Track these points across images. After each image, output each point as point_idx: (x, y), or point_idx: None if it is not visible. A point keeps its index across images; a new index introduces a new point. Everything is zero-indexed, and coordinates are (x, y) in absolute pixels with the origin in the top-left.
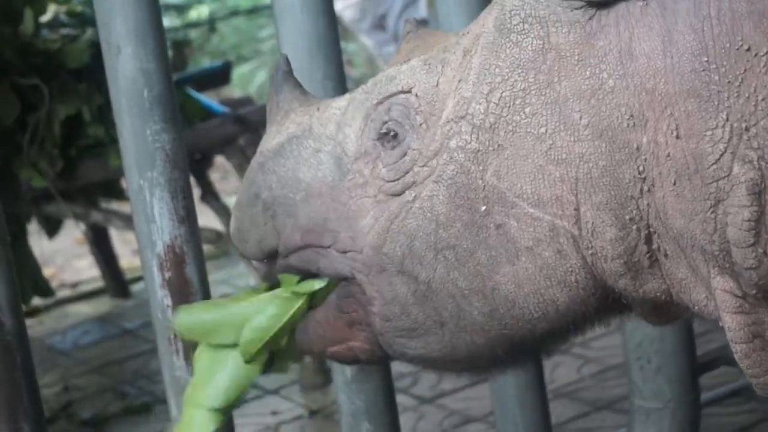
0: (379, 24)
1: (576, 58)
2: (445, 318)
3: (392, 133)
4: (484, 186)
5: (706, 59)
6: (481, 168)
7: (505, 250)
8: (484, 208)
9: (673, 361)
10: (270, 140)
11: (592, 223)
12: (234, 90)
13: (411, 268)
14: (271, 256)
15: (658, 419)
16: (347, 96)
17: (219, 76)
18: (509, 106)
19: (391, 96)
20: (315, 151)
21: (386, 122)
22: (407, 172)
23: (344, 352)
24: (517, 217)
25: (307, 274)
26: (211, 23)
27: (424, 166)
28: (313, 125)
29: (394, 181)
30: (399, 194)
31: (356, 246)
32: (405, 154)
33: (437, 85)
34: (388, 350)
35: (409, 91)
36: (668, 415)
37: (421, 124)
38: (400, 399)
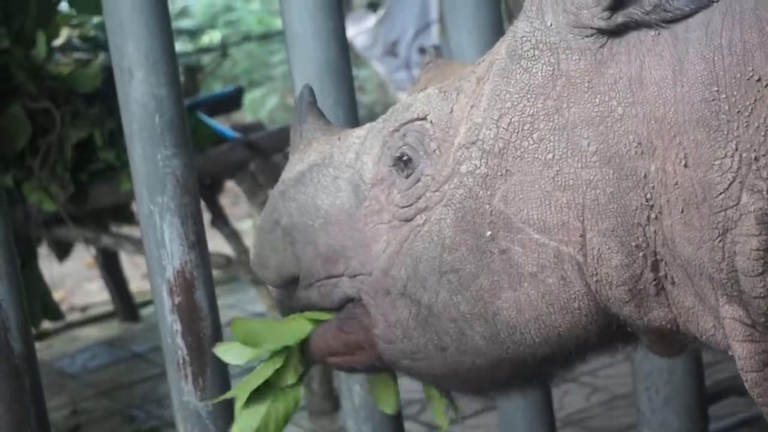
0: (391, 51)
1: (586, 85)
2: (446, 342)
3: (406, 158)
4: (491, 211)
5: (716, 89)
6: (489, 193)
7: (508, 276)
8: (489, 233)
9: (681, 392)
10: (292, 168)
11: (598, 249)
12: (245, 115)
13: (414, 291)
14: (289, 283)
15: None
16: (368, 125)
17: (230, 102)
18: (518, 132)
19: (406, 123)
20: (334, 178)
21: (401, 147)
22: (420, 198)
23: (343, 363)
24: (522, 243)
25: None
26: (223, 48)
27: (436, 191)
28: (333, 153)
29: (406, 207)
30: (411, 219)
31: (366, 269)
32: (418, 180)
33: (451, 112)
34: (392, 366)
35: (424, 118)
36: None
37: (434, 150)
38: (409, 426)
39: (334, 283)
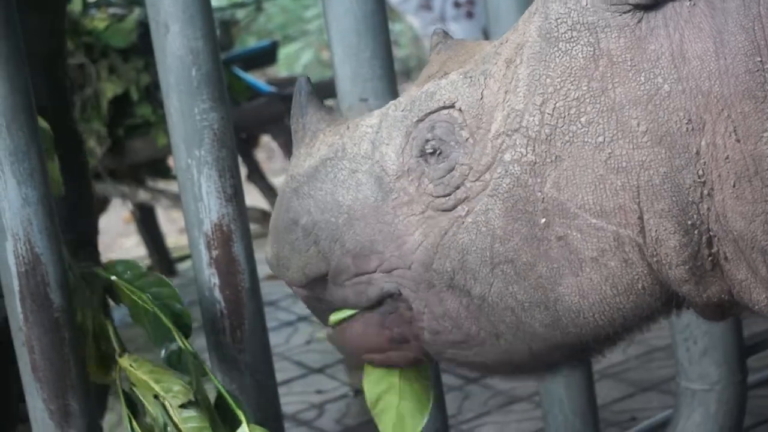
0: (426, 4)
1: (629, 63)
2: (501, 330)
3: (438, 152)
4: (543, 198)
5: (759, 59)
6: (539, 180)
7: (568, 262)
8: (544, 220)
9: (720, 343)
10: (301, 164)
11: (656, 230)
12: (280, 69)
13: (463, 283)
14: (315, 281)
15: (705, 401)
16: (377, 113)
17: (265, 56)
18: (564, 117)
19: (432, 112)
20: (352, 171)
21: (429, 140)
22: (458, 188)
23: (381, 360)
24: (580, 229)
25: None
26: (257, 3)
27: (476, 180)
28: (345, 145)
29: (445, 196)
30: (450, 210)
31: (404, 263)
32: (453, 169)
33: (482, 98)
34: (437, 358)
35: (452, 106)
36: (714, 396)
37: (467, 139)
38: (446, 379)
39: (367, 279)
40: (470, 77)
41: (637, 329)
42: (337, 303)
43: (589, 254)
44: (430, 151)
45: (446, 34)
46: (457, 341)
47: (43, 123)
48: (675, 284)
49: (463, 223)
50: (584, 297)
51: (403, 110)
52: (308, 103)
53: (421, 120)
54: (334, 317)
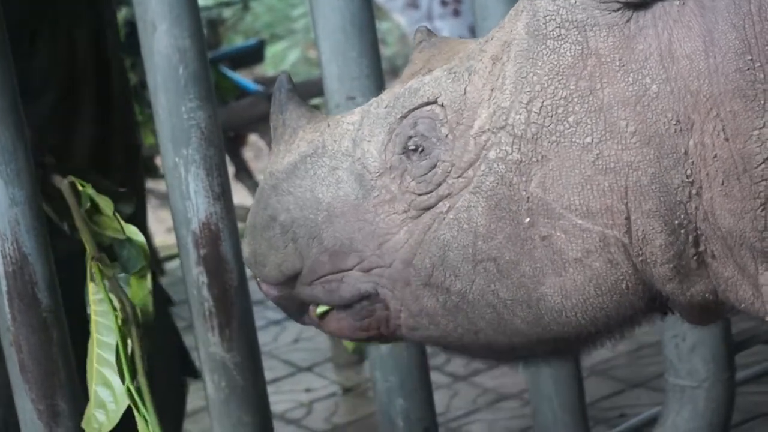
0: (412, 2)
1: (617, 63)
2: (480, 326)
3: (420, 149)
4: (528, 198)
5: (749, 58)
6: (524, 179)
7: (552, 262)
8: (528, 220)
9: (708, 340)
10: (280, 160)
11: (642, 230)
12: (267, 68)
13: (441, 280)
14: (291, 279)
15: (693, 397)
16: (358, 110)
17: (252, 55)
18: (551, 116)
19: (415, 109)
20: (332, 169)
21: (412, 137)
22: (440, 185)
23: (364, 341)
24: (565, 229)
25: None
26: (244, 2)
27: (459, 177)
28: (326, 142)
29: (427, 194)
30: (432, 206)
31: (384, 262)
32: (435, 166)
33: (464, 94)
34: (416, 341)
35: (434, 102)
36: (703, 393)
37: (447, 135)
38: (434, 377)
39: (339, 278)
40: (454, 73)
41: (621, 329)
42: (306, 301)
43: (573, 255)
44: (413, 147)
45: (429, 32)
46: (435, 336)
47: (140, 238)
48: (659, 282)
49: (444, 219)
50: (567, 297)
51: (386, 107)
52: (288, 100)
53: (404, 116)
54: (320, 310)
